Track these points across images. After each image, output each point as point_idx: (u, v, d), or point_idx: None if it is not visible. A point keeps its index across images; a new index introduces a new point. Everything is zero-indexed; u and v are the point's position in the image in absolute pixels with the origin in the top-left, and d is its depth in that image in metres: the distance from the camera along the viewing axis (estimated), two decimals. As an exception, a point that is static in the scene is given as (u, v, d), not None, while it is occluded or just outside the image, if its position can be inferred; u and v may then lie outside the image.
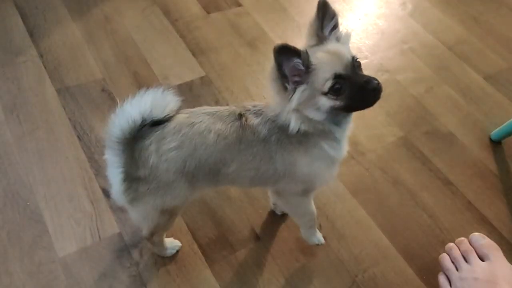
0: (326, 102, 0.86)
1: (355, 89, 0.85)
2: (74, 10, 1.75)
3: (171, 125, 0.92)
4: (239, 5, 1.90)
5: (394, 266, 1.20)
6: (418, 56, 1.76)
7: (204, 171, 0.95)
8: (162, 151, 0.91)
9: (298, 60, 0.84)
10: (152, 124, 0.90)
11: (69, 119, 1.41)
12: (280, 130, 0.93)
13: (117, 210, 1.23)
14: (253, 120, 0.95)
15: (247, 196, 1.29)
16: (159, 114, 0.90)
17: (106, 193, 1.25)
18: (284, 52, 0.83)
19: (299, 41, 1.76)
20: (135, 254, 1.17)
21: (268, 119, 0.94)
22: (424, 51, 1.78)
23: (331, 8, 0.89)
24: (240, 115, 0.95)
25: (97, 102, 1.47)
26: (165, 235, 1.14)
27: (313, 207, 1.10)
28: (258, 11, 1.88)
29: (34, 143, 1.34)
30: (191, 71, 1.62)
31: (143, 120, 0.88)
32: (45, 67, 1.54)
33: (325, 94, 0.85)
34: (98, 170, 1.30)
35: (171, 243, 1.18)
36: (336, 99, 0.85)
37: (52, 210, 1.21)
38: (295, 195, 1.05)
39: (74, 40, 1.65)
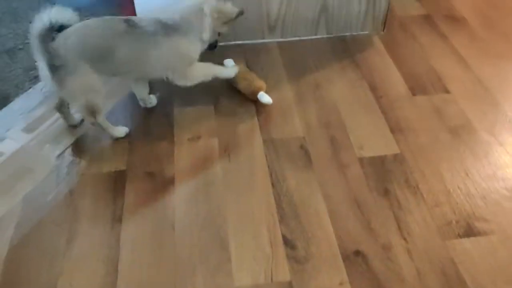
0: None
1: None
2: (292, 74, 1.98)
3: (71, 28, 1.41)
4: (447, 92, 1.88)
5: None
6: None
7: (99, 55, 1.45)
8: (66, 44, 1.39)
9: None
10: (59, 30, 1.38)
11: (268, 166, 1.58)
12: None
13: (292, 260, 1.30)
14: (141, 22, 1.49)
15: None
16: (61, 19, 1.37)
17: (286, 241, 1.34)
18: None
19: (509, 138, 1.66)
20: (300, 306, 1.21)
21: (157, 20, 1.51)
22: None
23: None
24: (128, 20, 1.48)
25: (294, 156, 1.61)
26: (104, 115, 1.59)
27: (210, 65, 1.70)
28: (466, 101, 1.83)
29: (236, 181, 1.53)
30: (386, 146, 1.65)
31: (51, 23, 1.34)
32: (258, 119, 1.76)
33: None
34: (283, 217, 1.41)
35: (121, 128, 1.65)
36: None
37: (238, 242, 1.35)
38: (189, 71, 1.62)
39: (286, 99, 1.86)
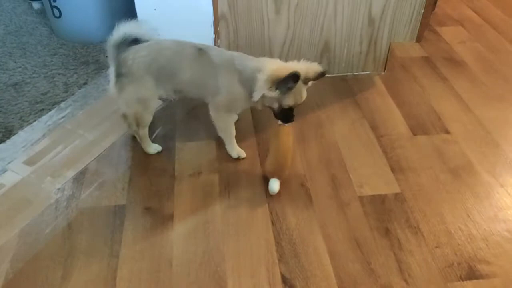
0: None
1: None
2: (296, 113, 1.99)
3: (144, 44, 1.54)
4: (448, 132, 1.89)
5: None
6: None
7: (164, 73, 1.54)
8: (135, 57, 1.51)
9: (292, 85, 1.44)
10: (133, 42, 1.52)
11: (268, 204, 1.57)
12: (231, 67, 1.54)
13: (290, 300, 1.27)
14: (212, 51, 1.56)
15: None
16: (135, 33, 1.52)
17: (285, 280, 1.32)
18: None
19: (510, 180, 1.66)
20: None
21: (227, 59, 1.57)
22: None
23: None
24: (200, 49, 1.55)
25: (294, 194, 1.61)
26: (147, 131, 1.70)
27: (232, 127, 1.71)
28: (467, 142, 1.84)
29: (235, 218, 1.52)
30: (386, 186, 1.65)
31: (126, 35, 1.50)
32: (259, 156, 1.77)
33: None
34: (282, 256, 1.39)
35: (155, 146, 1.75)
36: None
37: (236, 281, 1.33)
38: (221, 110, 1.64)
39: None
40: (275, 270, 1.36)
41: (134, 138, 1.79)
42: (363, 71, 2.26)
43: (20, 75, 2.19)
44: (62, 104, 2.00)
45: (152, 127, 1.86)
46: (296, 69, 1.44)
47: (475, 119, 1.96)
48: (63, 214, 1.51)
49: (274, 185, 1.58)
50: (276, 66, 1.48)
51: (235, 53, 1.61)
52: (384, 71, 2.26)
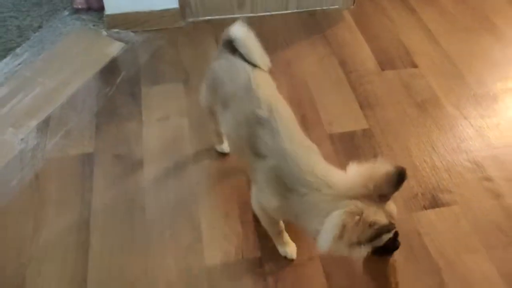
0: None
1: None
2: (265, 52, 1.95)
3: (233, 60, 1.26)
4: (415, 66, 1.90)
5: None
6: None
7: (216, 93, 1.27)
8: (216, 63, 1.30)
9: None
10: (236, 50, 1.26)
11: (239, 145, 1.57)
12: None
13: (262, 237, 1.32)
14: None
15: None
16: (241, 47, 1.25)
17: (257, 218, 1.35)
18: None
19: (473, 112, 1.69)
20: (270, 281, 1.23)
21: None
22: None
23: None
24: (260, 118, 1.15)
25: (264, 134, 1.61)
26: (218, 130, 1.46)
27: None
28: (433, 75, 1.86)
29: (208, 162, 1.52)
30: (355, 122, 1.67)
31: (237, 41, 1.25)
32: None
33: None
34: (254, 196, 1.42)
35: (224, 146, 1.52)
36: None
37: (209, 221, 1.36)
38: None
39: (256, 76, 1.84)
40: (248, 209, 1.38)
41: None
42: (332, 6, 2.20)
43: (-30, 20, 2.05)
44: (18, 50, 1.90)
45: (116, 72, 1.80)
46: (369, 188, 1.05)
47: (442, 52, 1.97)
48: (29, 165, 1.48)
49: None
50: (351, 211, 1.00)
51: (297, 150, 1.15)
52: (353, 5, 2.20)
